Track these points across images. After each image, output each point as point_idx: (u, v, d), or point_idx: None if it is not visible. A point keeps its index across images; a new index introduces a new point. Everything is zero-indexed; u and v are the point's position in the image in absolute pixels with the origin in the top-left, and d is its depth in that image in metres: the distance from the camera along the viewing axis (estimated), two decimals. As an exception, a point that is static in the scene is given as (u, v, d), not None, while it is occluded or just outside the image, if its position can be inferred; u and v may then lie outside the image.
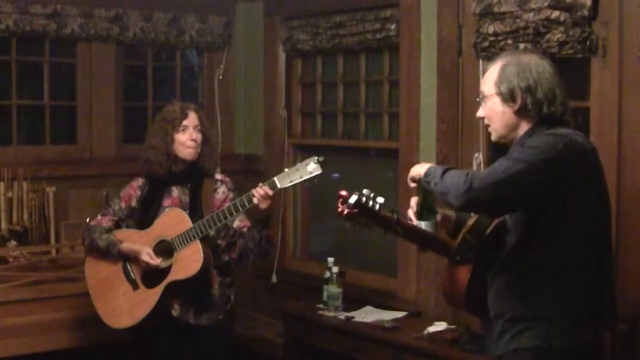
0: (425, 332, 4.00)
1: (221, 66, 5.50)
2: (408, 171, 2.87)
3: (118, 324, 3.77)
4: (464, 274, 2.81)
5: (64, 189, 4.87)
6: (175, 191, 3.81)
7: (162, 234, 3.70)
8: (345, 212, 2.68)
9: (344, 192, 2.70)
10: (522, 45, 3.75)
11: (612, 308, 2.74)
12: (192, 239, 3.62)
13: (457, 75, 4.13)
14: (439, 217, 2.85)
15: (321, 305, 4.53)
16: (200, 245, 3.63)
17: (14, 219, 4.65)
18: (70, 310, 4.20)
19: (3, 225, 4.62)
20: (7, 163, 4.69)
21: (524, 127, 2.68)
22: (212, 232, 3.66)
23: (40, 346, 4.10)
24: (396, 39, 4.47)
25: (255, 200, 3.51)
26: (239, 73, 5.53)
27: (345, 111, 5.05)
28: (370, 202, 2.68)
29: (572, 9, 3.56)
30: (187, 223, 3.66)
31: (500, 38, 3.86)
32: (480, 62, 4.00)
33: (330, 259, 4.60)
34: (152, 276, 3.70)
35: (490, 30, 3.90)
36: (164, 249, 3.70)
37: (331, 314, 4.43)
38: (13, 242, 4.61)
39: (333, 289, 4.49)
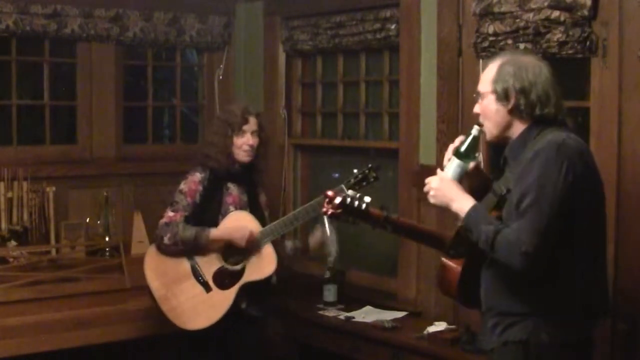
0: (425, 332, 4.00)
1: (221, 66, 5.50)
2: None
3: (192, 325, 3.79)
4: (457, 266, 2.85)
5: (64, 189, 4.87)
6: (234, 189, 3.90)
7: None
8: (330, 212, 2.81)
9: (330, 193, 2.84)
10: (522, 45, 3.75)
11: (605, 303, 2.76)
12: (265, 240, 3.80)
13: (457, 75, 4.13)
14: (472, 165, 2.84)
15: (321, 305, 4.53)
16: (272, 247, 3.80)
17: (14, 219, 4.65)
18: (70, 310, 4.19)
19: (3, 225, 4.61)
20: (7, 163, 4.68)
21: (518, 127, 2.72)
22: (282, 234, 3.85)
23: (40, 346, 4.09)
24: (396, 39, 4.47)
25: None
26: (239, 73, 5.53)
27: (345, 111, 5.05)
28: (356, 203, 2.79)
29: (572, 9, 3.56)
30: (256, 225, 3.81)
31: (500, 38, 3.86)
32: (480, 62, 4.00)
33: (330, 259, 4.61)
34: (224, 277, 3.80)
35: (490, 30, 3.90)
36: (234, 251, 3.81)
37: (331, 314, 4.43)
38: (13, 242, 4.61)
39: (333, 289, 4.50)
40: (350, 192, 2.83)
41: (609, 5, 3.48)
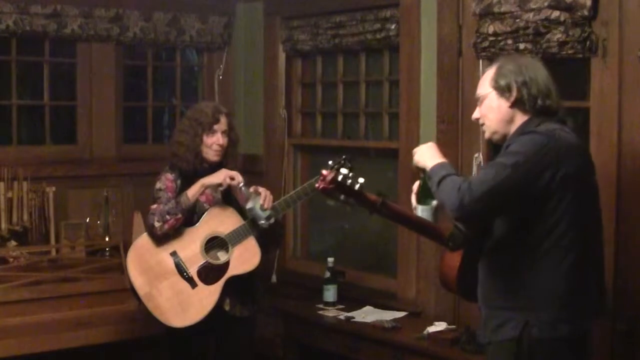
0: (425, 332, 4.00)
1: (221, 66, 5.50)
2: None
3: (179, 322, 3.74)
4: (456, 259, 2.88)
5: (64, 189, 4.87)
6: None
7: (213, 231, 3.78)
8: (321, 186, 2.80)
9: (324, 172, 2.82)
10: (522, 45, 3.75)
11: (601, 300, 2.75)
12: (248, 233, 3.76)
13: (457, 75, 4.13)
14: (434, 203, 2.86)
15: (321, 305, 4.53)
16: (255, 240, 3.77)
17: (14, 219, 4.65)
18: (70, 310, 4.20)
19: (3, 225, 4.61)
20: (7, 163, 4.69)
21: (518, 121, 2.73)
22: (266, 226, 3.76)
23: (40, 346, 4.10)
24: (396, 39, 4.48)
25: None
26: (239, 73, 5.53)
27: (345, 111, 5.05)
28: (349, 181, 2.78)
29: (572, 9, 3.56)
30: (238, 219, 3.78)
31: (500, 38, 3.86)
32: (480, 62, 4.00)
33: (330, 259, 4.61)
34: (208, 273, 3.76)
35: (490, 30, 3.90)
36: (216, 244, 3.78)
37: (331, 314, 4.43)
38: (13, 242, 4.61)
39: (333, 289, 4.50)
40: (343, 169, 2.83)
41: (609, 5, 3.48)
